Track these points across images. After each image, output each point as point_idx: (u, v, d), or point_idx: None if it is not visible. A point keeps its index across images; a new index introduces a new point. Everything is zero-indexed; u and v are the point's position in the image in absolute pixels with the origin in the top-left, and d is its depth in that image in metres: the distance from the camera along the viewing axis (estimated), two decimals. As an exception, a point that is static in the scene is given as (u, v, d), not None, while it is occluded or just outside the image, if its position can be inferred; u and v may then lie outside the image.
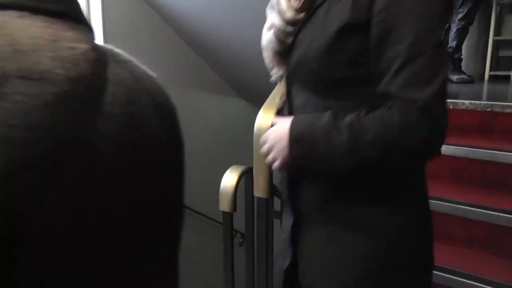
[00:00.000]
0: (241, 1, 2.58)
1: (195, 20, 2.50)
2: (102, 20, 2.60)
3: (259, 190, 1.35)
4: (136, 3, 2.80)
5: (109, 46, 0.39)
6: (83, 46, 0.32)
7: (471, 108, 2.05)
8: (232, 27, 2.80)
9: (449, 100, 2.35)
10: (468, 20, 3.12)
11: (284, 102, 1.35)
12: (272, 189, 1.36)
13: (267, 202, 1.37)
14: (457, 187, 1.99)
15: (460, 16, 3.13)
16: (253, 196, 1.49)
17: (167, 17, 2.09)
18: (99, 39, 2.42)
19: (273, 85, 3.16)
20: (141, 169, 0.35)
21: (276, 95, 1.42)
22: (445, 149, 2.13)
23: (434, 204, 1.93)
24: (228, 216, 1.44)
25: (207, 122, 3.06)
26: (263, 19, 2.66)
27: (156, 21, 2.73)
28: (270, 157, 0.83)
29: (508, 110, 1.96)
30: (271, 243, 1.44)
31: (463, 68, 3.22)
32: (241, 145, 3.00)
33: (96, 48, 0.34)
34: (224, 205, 1.41)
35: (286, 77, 0.89)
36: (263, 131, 1.31)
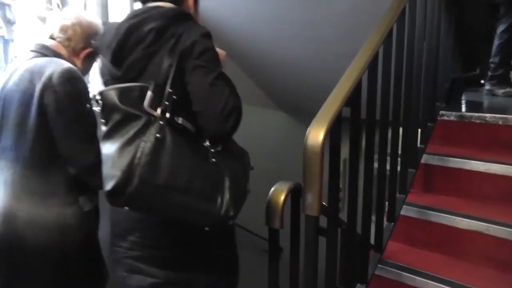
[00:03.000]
0: (283, 17, 2.59)
1: (240, 35, 2.52)
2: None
3: (309, 208, 1.33)
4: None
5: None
6: None
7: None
8: (275, 42, 2.81)
9: (497, 115, 2.28)
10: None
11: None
12: (322, 208, 1.34)
13: (315, 220, 1.35)
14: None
15: (502, 28, 2.96)
16: (299, 213, 1.48)
17: (212, 32, 2.11)
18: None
19: (317, 99, 3.14)
20: None
21: (327, 111, 1.40)
22: (498, 168, 2.06)
23: (488, 227, 1.86)
24: (275, 233, 1.43)
25: (248, 134, 3.06)
26: (305, 33, 2.68)
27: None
28: None
29: None
30: (317, 261, 1.42)
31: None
32: (282, 156, 3.00)
33: None
34: (271, 221, 1.39)
35: None
36: (313, 148, 1.30)
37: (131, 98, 1.22)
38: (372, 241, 1.89)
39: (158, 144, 1.18)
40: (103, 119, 1.24)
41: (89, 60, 1.73)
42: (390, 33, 1.78)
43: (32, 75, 1.51)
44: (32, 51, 1.62)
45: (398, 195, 2.06)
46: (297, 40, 2.72)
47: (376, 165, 1.82)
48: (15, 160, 1.53)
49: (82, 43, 1.68)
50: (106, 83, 1.41)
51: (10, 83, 1.56)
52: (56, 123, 1.50)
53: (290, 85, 2.77)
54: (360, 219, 1.73)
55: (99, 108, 1.25)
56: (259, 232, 1.82)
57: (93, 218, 1.65)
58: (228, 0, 2.56)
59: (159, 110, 1.21)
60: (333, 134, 1.40)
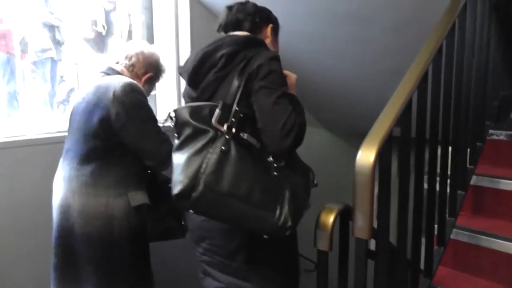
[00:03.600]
0: (327, 35, 2.57)
1: (284, 52, 2.51)
2: (190, 46, 2.73)
3: (359, 231, 1.29)
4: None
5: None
6: None
7: None
8: (318, 59, 2.79)
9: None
10: None
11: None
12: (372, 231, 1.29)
13: (366, 244, 1.30)
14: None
15: None
16: (348, 235, 1.44)
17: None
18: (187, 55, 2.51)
19: (361, 116, 3.11)
20: None
21: (377, 131, 1.36)
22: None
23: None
24: (324, 255, 1.39)
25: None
26: (349, 50, 2.63)
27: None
28: None
29: None
30: (366, 285, 1.37)
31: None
32: (324, 175, 2.93)
33: None
34: (320, 243, 1.36)
35: None
36: (364, 169, 1.27)
37: (201, 115, 1.37)
38: (421, 265, 1.81)
39: (223, 156, 1.32)
40: (176, 133, 1.40)
41: (149, 84, 2.00)
42: (439, 50, 1.73)
43: (97, 88, 1.75)
44: (100, 72, 1.87)
45: (447, 218, 1.98)
46: (340, 57, 2.70)
47: (425, 186, 1.76)
48: (74, 158, 1.74)
49: (143, 69, 1.94)
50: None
51: (79, 98, 1.83)
52: (127, 127, 1.71)
53: (332, 102, 2.74)
54: (410, 242, 1.66)
55: (172, 124, 1.41)
56: (301, 251, 1.84)
57: (142, 214, 1.76)
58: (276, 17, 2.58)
59: (225, 126, 1.35)
60: (383, 155, 1.36)
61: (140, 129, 1.75)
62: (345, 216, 1.40)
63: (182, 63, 1.70)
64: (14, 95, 4.52)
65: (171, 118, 1.41)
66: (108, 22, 4.65)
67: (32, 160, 2.16)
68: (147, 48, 1.99)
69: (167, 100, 2.87)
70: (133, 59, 1.92)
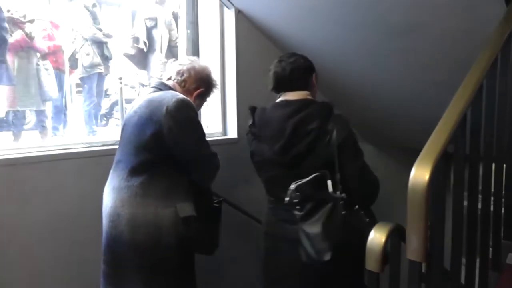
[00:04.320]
0: (373, 48, 2.52)
1: (324, 61, 2.49)
2: (236, 60, 2.75)
3: (413, 253, 1.22)
4: (265, 47, 2.89)
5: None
6: None
7: None
8: (364, 72, 2.74)
9: None
10: None
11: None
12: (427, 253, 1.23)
13: (420, 267, 1.24)
14: None
15: None
16: (399, 257, 1.38)
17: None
18: (232, 75, 2.54)
19: (409, 130, 3.01)
20: None
21: (432, 148, 1.30)
22: None
23: None
24: (375, 276, 1.33)
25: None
26: (396, 63, 2.56)
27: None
28: None
29: None
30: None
31: None
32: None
33: None
34: (371, 264, 1.30)
35: None
36: (418, 189, 1.21)
37: (319, 186, 1.60)
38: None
39: (344, 217, 1.57)
40: (298, 206, 1.61)
41: (200, 99, 2.03)
42: (494, 63, 1.65)
43: (150, 103, 1.79)
44: (152, 87, 1.92)
45: (503, 241, 1.87)
46: (386, 69, 2.64)
47: (479, 206, 1.67)
48: (124, 169, 1.78)
49: (195, 84, 1.98)
50: (258, 163, 1.85)
51: (131, 111, 1.87)
52: (179, 142, 1.75)
53: (376, 115, 2.68)
54: (464, 266, 1.58)
55: (296, 200, 1.61)
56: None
57: (190, 226, 1.78)
58: (319, 34, 2.56)
59: (337, 192, 1.60)
60: (438, 173, 1.30)
61: (191, 144, 1.80)
62: (397, 236, 1.34)
63: (248, 122, 1.87)
64: (62, 109, 4.68)
65: (293, 192, 1.60)
66: (150, 39, 4.76)
67: (79, 172, 2.21)
68: (199, 64, 2.04)
69: (211, 114, 2.89)
70: (185, 75, 1.97)
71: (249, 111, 1.85)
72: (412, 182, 1.23)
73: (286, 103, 1.79)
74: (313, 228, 1.57)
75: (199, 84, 2.00)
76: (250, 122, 1.83)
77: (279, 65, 1.84)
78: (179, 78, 1.97)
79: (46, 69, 4.26)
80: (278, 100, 1.84)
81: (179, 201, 1.78)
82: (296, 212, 1.61)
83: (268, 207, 1.87)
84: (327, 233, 1.49)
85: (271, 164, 1.76)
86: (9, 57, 4.26)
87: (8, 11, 4.26)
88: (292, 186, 1.59)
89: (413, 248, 1.22)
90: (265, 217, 1.90)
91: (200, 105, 2.07)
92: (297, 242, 1.69)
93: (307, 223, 1.59)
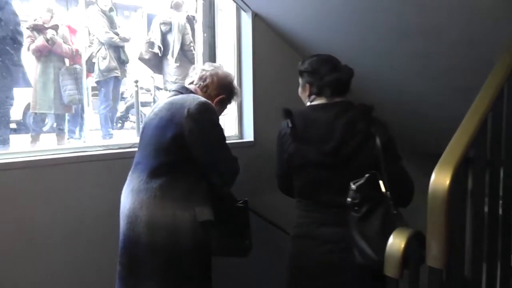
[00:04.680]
0: (392, 50, 2.50)
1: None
2: (252, 63, 2.75)
3: (433, 259, 1.21)
4: (282, 50, 2.89)
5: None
6: None
7: None
8: (383, 75, 2.72)
9: None
10: None
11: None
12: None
13: (441, 274, 1.22)
14: None
15: None
16: (419, 263, 1.35)
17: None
18: (249, 78, 2.54)
19: (428, 133, 2.97)
20: None
21: (452, 153, 1.29)
22: None
23: None
24: (394, 282, 1.32)
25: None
26: (415, 65, 2.52)
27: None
28: None
29: None
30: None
31: None
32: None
33: None
34: (390, 270, 1.29)
35: None
36: (439, 194, 1.20)
37: (374, 185, 1.61)
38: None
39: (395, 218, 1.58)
40: (357, 207, 1.59)
41: (221, 105, 2.03)
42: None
43: (171, 105, 1.80)
44: (173, 90, 1.93)
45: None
46: (405, 72, 2.61)
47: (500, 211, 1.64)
48: (143, 171, 1.78)
49: (216, 91, 1.99)
50: (298, 165, 1.78)
51: (151, 114, 1.87)
52: (200, 145, 1.76)
53: (394, 119, 2.65)
54: (485, 274, 1.55)
55: (356, 200, 1.59)
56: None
57: (207, 230, 1.78)
58: (335, 37, 2.55)
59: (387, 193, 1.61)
60: (458, 178, 1.28)
61: (212, 148, 1.81)
62: (417, 242, 1.32)
63: (287, 124, 1.80)
64: (79, 113, 4.74)
65: (353, 192, 1.59)
66: (165, 43, 4.80)
67: (96, 174, 2.23)
68: (222, 70, 2.05)
69: (227, 117, 2.90)
70: (207, 80, 1.98)
71: (283, 113, 1.81)
72: (432, 187, 1.21)
73: (327, 105, 1.79)
74: (371, 228, 1.56)
75: (221, 91, 2.01)
76: (288, 124, 1.78)
77: (337, 70, 1.83)
78: (202, 83, 1.98)
79: (65, 73, 4.32)
80: (314, 102, 1.83)
81: (198, 204, 1.78)
82: (354, 214, 1.60)
83: (301, 209, 1.83)
84: (385, 233, 1.45)
85: (314, 166, 1.74)
86: (32, 62, 4.35)
87: (35, 20, 4.35)
88: (353, 187, 1.59)
89: (433, 255, 1.21)
90: (296, 220, 1.86)
91: (220, 111, 2.06)
92: (335, 243, 1.69)
93: (364, 223, 1.58)
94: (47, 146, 4.21)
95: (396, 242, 1.29)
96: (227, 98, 2.06)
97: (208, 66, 2.06)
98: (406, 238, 1.29)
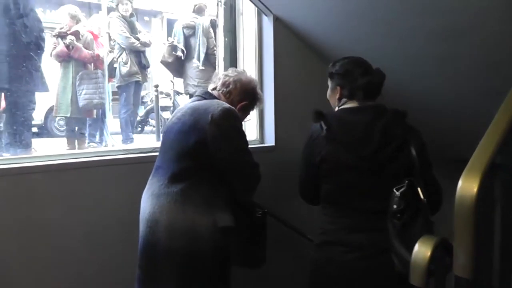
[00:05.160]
0: (417, 54, 2.47)
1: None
2: (273, 67, 2.75)
3: (461, 269, 1.17)
4: (304, 53, 2.87)
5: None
6: None
7: None
8: (409, 79, 2.68)
9: None
10: None
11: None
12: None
13: (467, 284, 1.18)
14: None
15: None
16: (445, 272, 1.32)
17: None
18: (270, 82, 2.52)
19: (453, 138, 2.90)
20: None
21: (479, 159, 1.25)
22: None
23: None
24: (419, 292, 1.28)
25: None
26: (441, 69, 2.46)
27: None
28: None
29: None
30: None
31: None
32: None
33: None
34: (416, 279, 1.25)
35: None
36: (466, 200, 1.16)
37: (413, 193, 1.59)
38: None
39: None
40: (399, 214, 1.57)
41: (244, 111, 2.04)
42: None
43: (194, 110, 1.80)
44: (196, 95, 1.94)
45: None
46: (430, 76, 2.57)
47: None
48: (164, 175, 1.78)
49: (239, 96, 2.00)
50: (329, 169, 1.73)
51: (174, 118, 1.88)
52: (223, 150, 1.76)
53: (420, 123, 2.61)
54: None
55: (401, 207, 1.57)
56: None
57: (228, 237, 1.77)
58: (359, 41, 2.53)
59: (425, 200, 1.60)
60: (486, 185, 1.24)
61: (234, 154, 1.80)
62: (443, 250, 1.29)
63: (322, 127, 1.76)
64: (99, 117, 4.80)
65: (398, 197, 1.57)
66: (187, 47, 4.82)
67: (117, 178, 2.25)
68: (245, 76, 2.06)
69: (248, 122, 2.90)
70: (231, 86, 1.98)
71: (315, 115, 1.76)
72: (460, 195, 1.18)
73: (361, 108, 1.76)
74: (414, 236, 1.46)
75: (244, 97, 2.01)
76: (323, 126, 1.73)
77: (369, 73, 1.81)
78: (225, 89, 1.98)
79: (83, 78, 4.38)
80: (346, 106, 1.80)
81: (219, 210, 1.77)
82: (396, 221, 1.57)
83: (328, 215, 1.79)
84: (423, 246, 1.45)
85: (348, 170, 1.70)
86: (55, 67, 4.44)
87: (61, 28, 4.44)
88: (397, 193, 1.57)
89: (460, 263, 1.17)
90: (321, 227, 1.81)
91: (243, 117, 2.05)
92: (364, 250, 1.67)
93: (406, 231, 1.55)
94: (68, 150, 4.28)
95: (421, 250, 1.26)
96: (250, 104, 2.06)
97: (232, 72, 2.06)
98: (432, 246, 1.26)
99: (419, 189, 1.60)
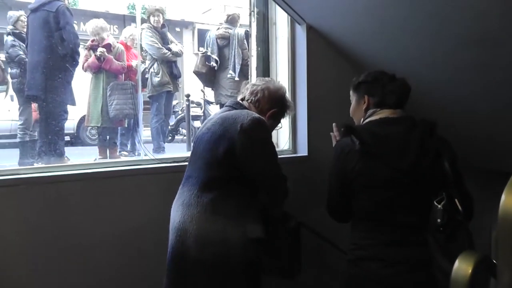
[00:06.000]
0: (448, 62, 2.41)
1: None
2: (307, 77, 2.74)
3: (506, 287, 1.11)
4: (338, 63, 2.84)
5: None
6: None
7: None
8: (439, 86, 2.62)
9: None
10: None
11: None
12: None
13: (513, 304, 1.12)
14: None
15: None
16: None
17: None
18: (303, 92, 2.48)
19: (485, 148, 2.81)
20: None
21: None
22: None
23: None
24: (459, 311, 1.23)
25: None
26: (472, 76, 2.39)
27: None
28: None
29: None
30: None
31: None
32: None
33: None
34: (456, 298, 1.20)
35: None
36: (511, 215, 1.11)
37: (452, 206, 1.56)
38: None
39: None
40: (442, 227, 1.54)
41: (273, 119, 2.03)
42: None
43: (224, 120, 1.79)
44: (227, 105, 1.96)
45: None
46: (463, 85, 2.50)
47: None
48: (195, 185, 1.78)
49: (268, 105, 1.99)
50: (364, 182, 1.68)
51: (204, 128, 1.88)
52: (252, 160, 1.76)
53: (452, 133, 2.54)
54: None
55: (444, 221, 1.54)
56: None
57: (258, 247, 1.75)
58: (395, 49, 2.49)
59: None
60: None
61: (261, 164, 1.79)
62: (484, 267, 1.23)
63: (364, 139, 1.71)
64: (131, 126, 4.88)
65: (443, 211, 1.55)
66: (221, 57, 4.85)
67: (148, 187, 2.27)
68: (273, 84, 2.04)
69: (280, 131, 2.90)
70: (259, 95, 1.97)
71: (345, 130, 1.73)
72: (504, 209, 1.12)
73: (392, 120, 1.72)
74: (458, 248, 1.43)
75: (273, 105, 1.99)
76: (354, 140, 1.68)
77: (397, 79, 1.80)
78: (253, 98, 1.98)
79: (113, 88, 4.47)
80: (375, 117, 1.76)
81: (249, 221, 1.76)
82: (438, 235, 1.55)
83: (361, 230, 1.73)
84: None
85: (384, 185, 1.65)
86: (87, 78, 4.56)
87: (93, 41, 4.56)
88: (439, 206, 1.54)
89: (505, 283, 1.11)
90: (355, 242, 1.75)
91: (273, 126, 2.04)
92: (402, 265, 1.62)
93: (450, 245, 1.53)
94: (101, 159, 4.36)
95: (462, 267, 1.20)
96: (280, 111, 2.04)
97: (259, 81, 2.05)
98: (473, 262, 1.20)
99: (456, 201, 1.56)
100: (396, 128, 1.69)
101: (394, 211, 1.65)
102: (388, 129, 1.69)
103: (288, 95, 2.14)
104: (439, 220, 1.54)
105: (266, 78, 2.16)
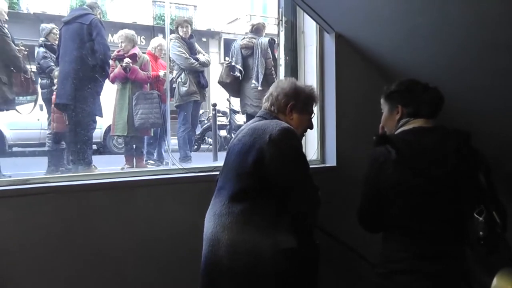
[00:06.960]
0: (463, 68, 2.36)
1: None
2: (335, 85, 2.72)
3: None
4: (367, 71, 2.81)
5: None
6: None
7: None
8: (464, 92, 2.56)
9: None
10: None
11: None
12: None
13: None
14: None
15: None
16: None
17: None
18: (332, 101, 2.45)
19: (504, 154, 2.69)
20: None
21: None
22: None
23: None
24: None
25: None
26: (488, 82, 2.32)
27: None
28: None
29: None
30: None
31: None
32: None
33: None
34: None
35: None
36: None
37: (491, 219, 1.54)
38: None
39: None
40: (483, 241, 1.50)
41: (298, 112, 1.97)
42: None
43: (254, 131, 1.80)
44: (257, 116, 1.97)
45: None
46: (488, 90, 2.44)
47: None
48: (226, 196, 1.78)
49: (284, 100, 1.95)
50: (399, 193, 1.64)
51: (235, 140, 1.89)
52: (281, 171, 1.73)
53: (477, 141, 2.48)
54: None
55: (486, 233, 1.50)
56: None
57: (290, 258, 1.72)
58: (425, 57, 2.45)
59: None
60: None
61: (293, 174, 1.77)
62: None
63: (402, 151, 1.69)
64: (157, 136, 4.93)
65: (485, 224, 1.52)
66: (245, 67, 4.86)
67: (177, 196, 2.28)
68: (282, 82, 2.03)
69: (309, 141, 2.88)
70: (273, 96, 1.97)
71: (377, 140, 1.71)
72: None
73: (425, 129, 1.70)
74: (498, 263, 1.44)
75: (288, 99, 1.95)
76: (389, 150, 1.66)
77: (435, 90, 1.77)
78: (274, 101, 1.96)
79: (139, 98, 4.53)
80: (408, 127, 1.74)
81: (281, 232, 1.73)
82: (480, 248, 1.51)
83: (395, 242, 1.70)
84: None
85: (420, 194, 1.62)
86: (113, 88, 4.63)
87: (119, 51, 4.65)
88: (480, 219, 1.51)
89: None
90: (387, 254, 1.72)
91: (302, 120, 1.99)
92: (438, 278, 1.58)
93: (491, 258, 1.49)
94: (128, 168, 4.41)
95: (501, 285, 1.16)
96: (297, 102, 1.96)
97: (271, 88, 2.04)
98: (510, 280, 1.16)
99: (494, 214, 1.51)
100: (431, 138, 1.65)
101: (428, 222, 1.61)
102: (423, 139, 1.66)
103: (300, 83, 2.04)
104: (481, 233, 1.49)
105: (295, 81, 2.07)
